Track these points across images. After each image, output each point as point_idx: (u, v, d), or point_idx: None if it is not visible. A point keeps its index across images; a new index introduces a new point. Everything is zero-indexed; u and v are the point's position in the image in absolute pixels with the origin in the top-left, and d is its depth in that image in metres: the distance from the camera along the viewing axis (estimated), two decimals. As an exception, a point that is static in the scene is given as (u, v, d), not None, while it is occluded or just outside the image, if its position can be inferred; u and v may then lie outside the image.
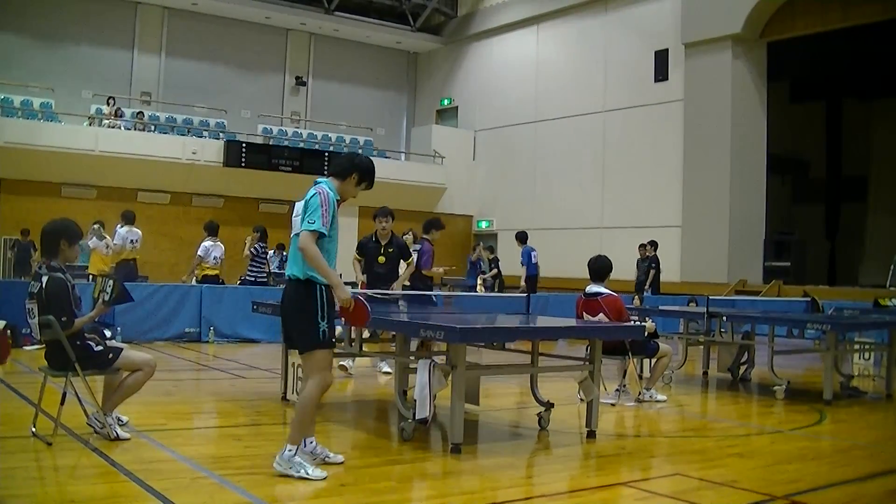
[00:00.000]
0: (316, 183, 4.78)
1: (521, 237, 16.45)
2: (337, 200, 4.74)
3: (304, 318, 4.63)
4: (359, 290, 7.69)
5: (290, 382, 6.99)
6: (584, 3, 22.25)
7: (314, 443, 4.84)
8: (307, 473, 4.52)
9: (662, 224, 19.31)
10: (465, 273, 18.06)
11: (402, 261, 8.84)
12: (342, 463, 4.89)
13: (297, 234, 4.65)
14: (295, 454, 4.57)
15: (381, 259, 8.66)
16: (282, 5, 24.37)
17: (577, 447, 5.94)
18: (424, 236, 10.55)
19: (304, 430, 4.67)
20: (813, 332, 8.34)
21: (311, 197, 4.66)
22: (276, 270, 18.45)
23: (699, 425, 7.19)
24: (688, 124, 19.51)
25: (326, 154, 22.82)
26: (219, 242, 13.11)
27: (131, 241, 12.91)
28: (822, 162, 23.48)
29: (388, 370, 8.73)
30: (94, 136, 19.82)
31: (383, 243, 8.63)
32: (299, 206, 5.00)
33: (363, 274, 8.81)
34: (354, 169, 4.85)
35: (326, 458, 4.85)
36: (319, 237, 4.57)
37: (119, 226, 12.93)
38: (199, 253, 12.95)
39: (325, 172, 21.22)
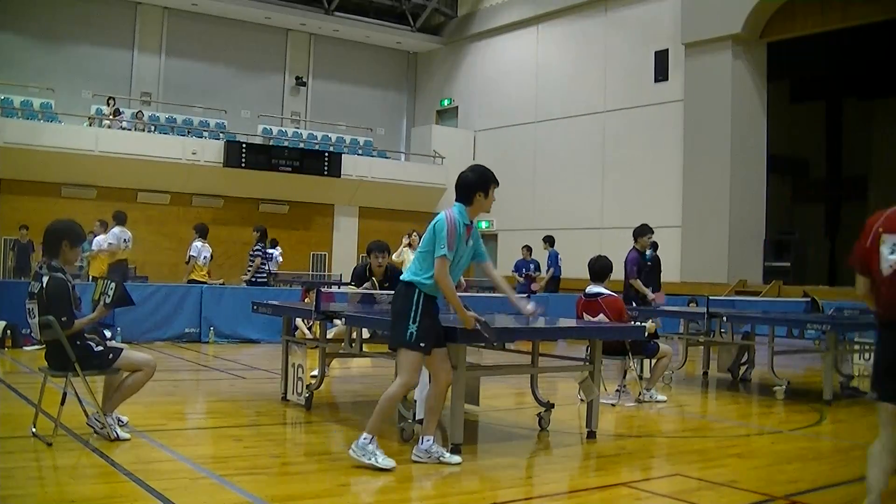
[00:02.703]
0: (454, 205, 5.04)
1: (549, 240, 16.40)
2: (466, 225, 4.96)
3: (399, 316, 4.91)
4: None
5: (290, 382, 6.99)
6: (584, 4, 22.25)
7: (431, 441, 5.03)
8: (377, 462, 4.75)
9: (662, 224, 19.27)
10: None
11: None
12: (459, 464, 4.99)
13: (421, 252, 4.97)
14: (370, 442, 4.79)
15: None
16: (282, 5, 24.37)
17: (577, 447, 5.95)
18: (635, 246, 9.95)
19: (381, 422, 4.88)
20: (813, 332, 8.34)
21: (438, 221, 4.89)
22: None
23: (699, 425, 7.19)
24: (688, 124, 19.50)
25: (326, 154, 22.84)
26: (206, 244, 13.22)
27: (124, 240, 12.88)
28: (822, 162, 23.47)
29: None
30: (94, 137, 19.83)
31: (378, 280, 7.80)
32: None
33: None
34: (473, 189, 5.00)
35: (441, 458, 4.99)
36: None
37: (112, 226, 12.90)
38: (191, 253, 13.01)
39: (323, 172, 20.91)
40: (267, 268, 13.98)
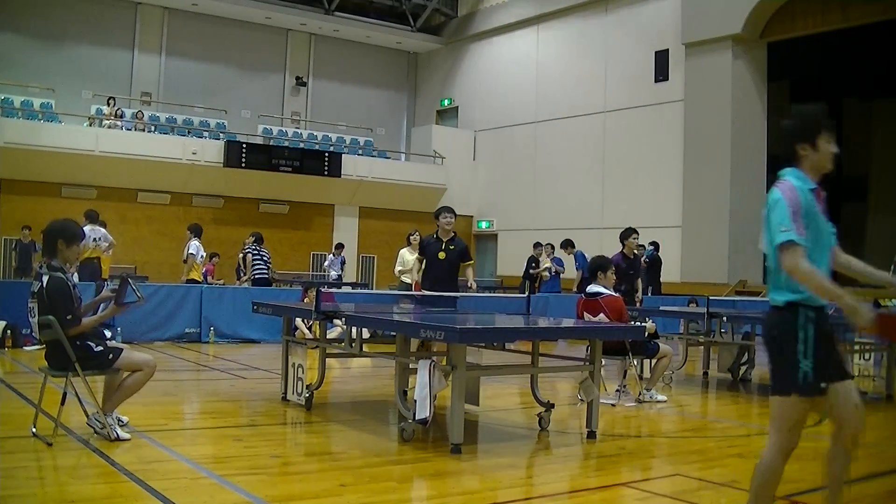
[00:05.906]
0: (779, 177, 3.58)
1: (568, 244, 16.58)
2: (812, 190, 3.64)
3: (782, 352, 3.47)
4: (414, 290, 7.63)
5: (290, 382, 6.99)
6: (584, 4, 22.26)
7: None
8: None
9: (662, 224, 19.32)
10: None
11: (461, 263, 8.45)
12: None
13: (777, 246, 3.44)
14: None
15: (441, 255, 8.30)
16: (282, 5, 24.37)
17: (577, 447, 5.95)
18: (623, 250, 9.94)
19: (764, 501, 3.63)
20: (813, 332, 8.32)
21: (769, 200, 3.54)
22: (339, 273, 18.49)
23: (699, 425, 7.19)
24: (688, 124, 19.51)
25: (326, 154, 22.83)
26: (201, 244, 13.34)
27: (94, 238, 12.79)
28: (822, 162, 23.45)
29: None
30: (94, 137, 19.82)
31: (444, 240, 8.33)
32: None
33: (418, 274, 8.61)
34: (792, 140, 3.68)
35: None
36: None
37: (83, 224, 12.81)
38: (190, 251, 13.01)
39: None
40: (262, 266, 13.99)
